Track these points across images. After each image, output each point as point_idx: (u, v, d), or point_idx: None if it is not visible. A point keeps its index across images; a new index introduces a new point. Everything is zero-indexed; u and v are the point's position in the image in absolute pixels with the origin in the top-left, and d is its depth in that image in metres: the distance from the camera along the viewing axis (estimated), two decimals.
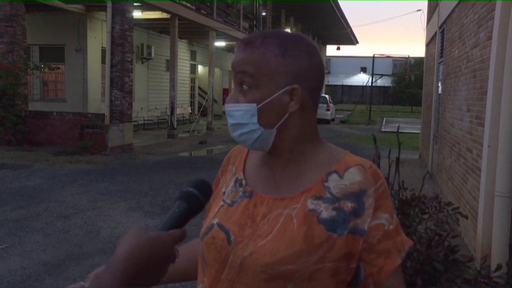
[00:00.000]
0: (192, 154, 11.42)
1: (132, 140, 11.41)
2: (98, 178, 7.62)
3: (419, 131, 13.22)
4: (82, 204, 5.97)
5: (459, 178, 5.42)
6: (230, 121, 0.86)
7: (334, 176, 0.85)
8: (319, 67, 0.87)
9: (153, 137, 14.04)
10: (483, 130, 4.03)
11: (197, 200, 0.77)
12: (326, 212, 0.82)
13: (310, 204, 0.83)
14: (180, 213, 0.75)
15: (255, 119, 0.84)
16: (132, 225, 5.15)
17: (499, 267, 2.34)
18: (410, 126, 20.20)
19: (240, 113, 0.84)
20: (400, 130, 7.73)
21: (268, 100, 0.83)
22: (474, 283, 2.19)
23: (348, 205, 0.82)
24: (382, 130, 19.39)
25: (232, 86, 0.91)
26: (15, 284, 3.59)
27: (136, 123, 14.37)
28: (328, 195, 0.83)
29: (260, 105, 0.83)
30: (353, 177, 0.84)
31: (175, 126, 14.00)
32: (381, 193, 0.84)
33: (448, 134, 6.74)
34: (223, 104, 28.29)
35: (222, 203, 0.92)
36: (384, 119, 26.60)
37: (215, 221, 0.89)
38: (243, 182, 0.92)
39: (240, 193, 0.91)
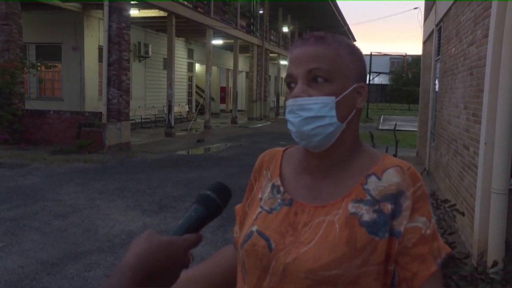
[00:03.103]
0: (190, 153, 11.41)
1: (130, 139, 11.39)
2: (95, 176, 7.61)
3: (416, 129, 13.24)
4: (79, 202, 5.96)
5: (456, 175, 5.44)
6: (304, 114, 0.83)
7: (373, 178, 0.84)
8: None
9: (150, 136, 14.02)
10: (480, 128, 4.05)
11: (215, 205, 0.75)
12: (367, 214, 0.81)
13: (351, 207, 0.83)
14: (196, 217, 0.73)
15: (333, 112, 0.83)
16: (130, 224, 5.15)
17: (495, 264, 2.35)
18: (408, 124, 20.24)
19: (318, 106, 0.83)
20: (397, 128, 7.77)
21: (345, 93, 0.84)
22: (470, 280, 2.20)
23: (388, 207, 0.81)
24: (380, 128, 19.44)
25: (282, 83, 0.88)
26: (13, 283, 3.59)
27: (133, 121, 14.35)
28: (369, 198, 0.83)
29: (339, 98, 0.84)
30: (391, 178, 0.83)
31: (173, 125, 13.99)
32: (419, 196, 0.82)
33: (445, 131, 6.76)
34: (221, 102, 28.41)
35: (260, 209, 0.91)
36: (382, 117, 26.66)
37: (254, 228, 0.88)
38: (281, 188, 0.91)
39: (279, 200, 0.90)
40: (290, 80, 0.86)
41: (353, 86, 0.85)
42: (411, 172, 0.84)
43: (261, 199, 0.93)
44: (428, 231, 0.81)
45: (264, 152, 1.02)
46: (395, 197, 0.81)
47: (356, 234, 0.80)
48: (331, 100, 0.83)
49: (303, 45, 0.86)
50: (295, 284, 0.80)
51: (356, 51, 0.88)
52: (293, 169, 0.93)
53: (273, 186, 0.93)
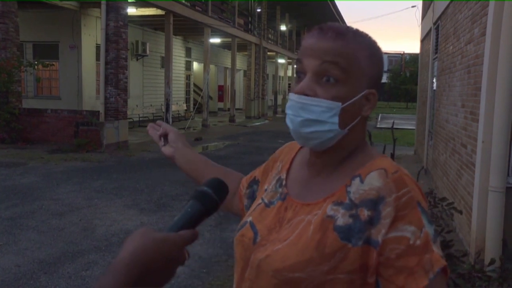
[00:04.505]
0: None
1: (127, 137, 11.37)
2: (93, 175, 7.59)
3: (414, 127, 13.26)
4: (77, 201, 5.95)
5: (453, 174, 5.44)
6: (304, 115, 0.79)
7: (356, 180, 0.79)
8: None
9: (148, 134, 13.95)
10: (478, 126, 4.05)
11: (211, 201, 0.74)
12: (342, 219, 0.76)
13: (330, 210, 0.78)
14: (192, 213, 0.72)
15: (336, 119, 0.78)
16: (127, 223, 5.14)
17: (492, 262, 2.36)
18: (406, 122, 20.27)
19: (320, 109, 0.78)
20: (395, 126, 7.76)
21: (352, 100, 0.79)
22: (468, 277, 2.20)
23: (365, 213, 0.75)
24: (377, 126, 19.45)
25: (294, 76, 0.84)
26: (10, 282, 3.58)
27: (131, 120, 14.32)
28: (348, 201, 0.78)
29: (344, 105, 0.78)
30: (373, 182, 0.77)
31: (170, 123, 13.96)
32: (404, 203, 0.74)
33: (443, 130, 6.77)
34: (219, 101, 28.35)
35: (260, 201, 0.91)
36: (380, 115, 26.67)
37: (249, 219, 0.88)
38: (283, 183, 0.90)
39: (278, 195, 0.89)
40: (300, 69, 0.81)
41: (363, 92, 0.80)
42: (397, 177, 0.76)
43: (265, 190, 0.93)
44: (418, 242, 0.72)
45: (287, 143, 1.01)
46: (375, 203, 0.75)
47: (327, 238, 0.76)
48: (336, 106, 0.78)
49: (320, 37, 0.79)
50: (265, 281, 0.79)
51: (376, 54, 0.82)
52: (299, 164, 0.92)
53: (278, 179, 0.92)
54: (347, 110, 0.79)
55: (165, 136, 1.17)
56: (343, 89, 0.78)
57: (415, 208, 0.74)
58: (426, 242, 0.73)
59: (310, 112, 0.78)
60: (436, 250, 0.74)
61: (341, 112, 0.78)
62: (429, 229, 0.74)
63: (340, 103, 0.78)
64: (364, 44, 0.80)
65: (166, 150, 1.15)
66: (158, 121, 1.23)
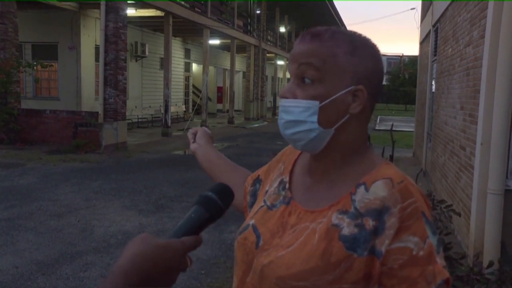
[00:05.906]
0: (187, 152, 11.39)
1: (126, 139, 11.36)
2: (91, 176, 7.58)
3: (413, 129, 13.27)
4: (75, 202, 5.94)
5: (452, 176, 5.45)
6: (285, 117, 0.81)
7: (361, 189, 0.78)
8: (381, 74, 0.84)
9: (147, 135, 13.99)
10: (476, 128, 4.06)
11: (216, 207, 0.73)
12: (347, 228, 0.76)
13: (335, 218, 0.78)
14: (196, 219, 0.71)
15: (315, 118, 0.79)
16: (126, 224, 5.13)
17: (490, 264, 2.36)
18: (404, 124, 20.30)
19: (299, 110, 0.79)
20: (394, 128, 7.78)
21: (331, 98, 0.78)
22: (466, 280, 2.20)
23: (370, 223, 0.74)
24: (376, 128, 19.45)
25: (286, 80, 0.85)
26: (7, 283, 3.56)
27: (130, 121, 14.31)
28: (353, 210, 0.77)
29: (323, 103, 0.78)
30: (378, 191, 0.76)
31: (169, 124, 13.96)
32: (409, 214, 0.73)
33: (441, 132, 6.78)
34: (218, 102, 28.38)
35: (262, 203, 0.90)
36: (378, 117, 26.69)
37: (251, 222, 0.88)
38: (287, 186, 0.90)
39: (281, 198, 0.88)
40: (290, 75, 0.86)
41: (346, 90, 0.79)
42: (402, 187, 0.76)
43: (267, 191, 0.92)
44: (421, 253, 0.72)
45: (290, 145, 1.00)
46: (379, 213, 0.74)
47: (333, 247, 0.75)
48: (313, 104, 0.78)
49: (300, 42, 0.82)
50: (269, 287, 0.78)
51: (360, 49, 0.80)
52: (302, 168, 0.91)
53: (281, 182, 0.92)
54: (329, 108, 0.79)
55: (196, 134, 1.28)
56: (321, 88, 0.79)
57: (420, 218, 0.74)
58: (429, 253, 0.73)
59: (290, 114, 0.80)
60: (440, 261, 0.74)
61: (322, 111, 0.79)
62: (432, 240, 0.74)
63: (317, 102, 0.79)
64: (342, 40, 0.80)
65: (192, 146, 1.24)
66: (203, 127, 1.39)
